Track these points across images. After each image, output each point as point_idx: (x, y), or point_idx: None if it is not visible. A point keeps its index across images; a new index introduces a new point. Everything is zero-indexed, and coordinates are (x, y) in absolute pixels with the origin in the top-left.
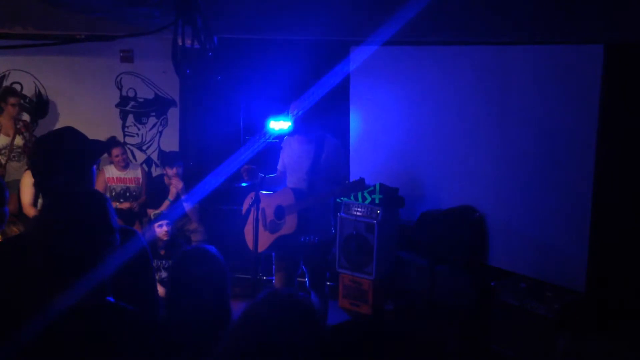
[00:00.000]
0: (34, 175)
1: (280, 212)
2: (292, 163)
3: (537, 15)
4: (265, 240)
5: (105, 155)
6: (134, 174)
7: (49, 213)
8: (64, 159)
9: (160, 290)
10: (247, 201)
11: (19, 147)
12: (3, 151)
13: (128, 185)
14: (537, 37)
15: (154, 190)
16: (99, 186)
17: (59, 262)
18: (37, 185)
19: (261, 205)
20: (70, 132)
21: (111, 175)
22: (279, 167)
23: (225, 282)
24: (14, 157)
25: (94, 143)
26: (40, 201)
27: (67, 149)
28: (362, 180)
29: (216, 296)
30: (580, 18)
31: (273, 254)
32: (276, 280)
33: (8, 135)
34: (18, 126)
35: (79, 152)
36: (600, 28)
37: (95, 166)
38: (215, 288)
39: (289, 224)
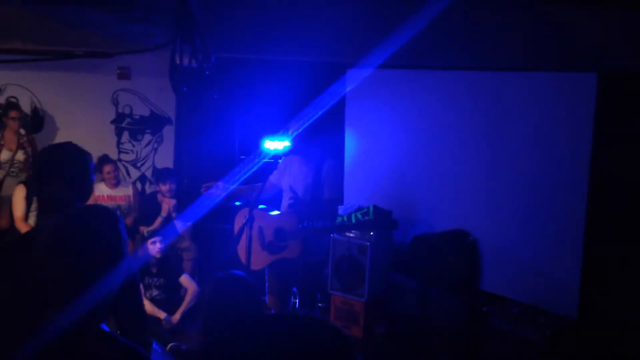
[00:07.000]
0: (33, 185)
1: (281, 235)
2: (289, 184)
3: (531, 44)
4: (262, 260)
5: (97, 172)
6: (125, 192)
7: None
8: (65, 170)
9: (149, 307)
10: (239, 219)
11: (19, 162)
12: (4, 165)
13: (119, 203)
14: (530, 65)
15: (147, 207)
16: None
17: (61, 280)
18: (35, 195)
19: (258, 223)
20: (73, 146)
21: (101, 193)
22: (271, 179)
23: (259, 303)
24: (12, 172)
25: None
26: (32, 215)
27: (70, 162)
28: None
29: (253, 318)
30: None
31: (266, 273)
32: (269, 300)
33: (11, 150)
34: (21, 141)
35: (81, 166)
36: (593, 56)
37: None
38: (252, 310)
39: (293, 249)
